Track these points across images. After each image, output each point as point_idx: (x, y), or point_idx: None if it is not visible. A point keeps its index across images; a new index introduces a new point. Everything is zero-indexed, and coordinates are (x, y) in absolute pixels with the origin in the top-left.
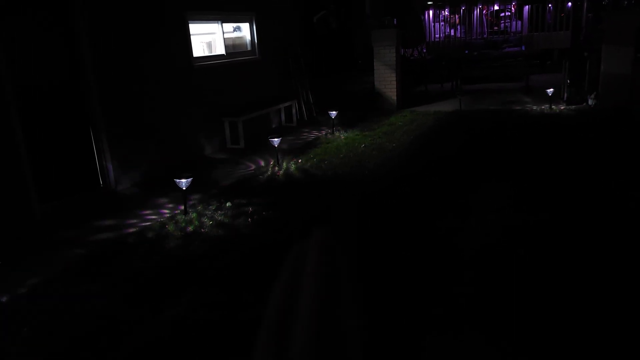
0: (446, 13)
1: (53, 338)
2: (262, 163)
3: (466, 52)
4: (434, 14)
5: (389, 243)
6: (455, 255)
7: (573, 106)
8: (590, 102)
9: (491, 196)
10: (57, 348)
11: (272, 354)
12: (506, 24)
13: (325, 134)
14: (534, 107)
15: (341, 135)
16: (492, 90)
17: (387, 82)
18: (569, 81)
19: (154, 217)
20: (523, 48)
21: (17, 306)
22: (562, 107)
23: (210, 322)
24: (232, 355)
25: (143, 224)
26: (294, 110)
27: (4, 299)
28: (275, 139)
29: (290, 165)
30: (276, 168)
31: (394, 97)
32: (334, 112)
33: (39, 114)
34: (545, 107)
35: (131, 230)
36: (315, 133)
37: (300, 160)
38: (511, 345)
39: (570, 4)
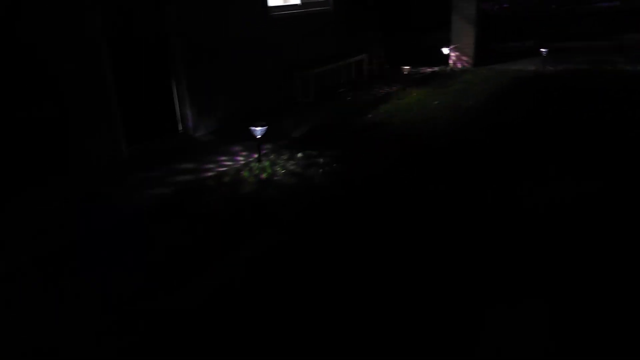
0: None
1: (131, 275)
2: (332, 117)
3: (553, 6)
4: None
5: (450, 202)
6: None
7: None
8: None
9: (571, 167)
10: (131, 287)
11: None
12: None
13: (396, 90)
14: (627, 68)
15: (413, 92)
16: (579, 49)
17: (464, 37)
18: None
19: (229, 163)
20: (617, 3)
21: (101, 236)
22: None
23: (281, 265)
24: (301, 300)
25: (219, 169)
26: (364, 65)
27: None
28: (346, 93)
29: (360, 120)
30: (345, 122)
31: (471, 54)
32: (406, 68)
33: (127, 65)
34: (638, 68)
35: (208, 174)
36: (386, 89)
37: (370, 115)
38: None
39: None
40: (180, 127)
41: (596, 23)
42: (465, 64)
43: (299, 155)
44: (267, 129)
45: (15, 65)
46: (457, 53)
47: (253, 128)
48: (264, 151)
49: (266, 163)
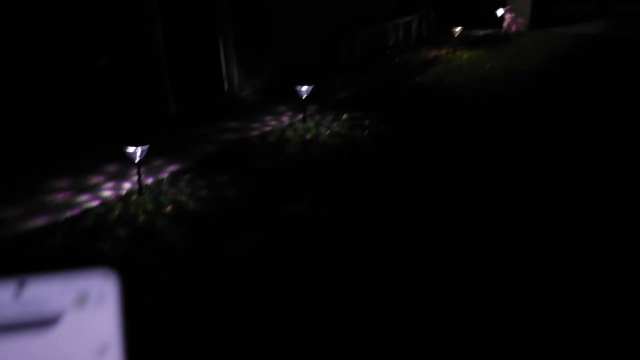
0: None
1: (192, 219)
2: (379, 79)
3: None
4: None
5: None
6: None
7: None
8: None
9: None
10: (194, 230)
11: None
12: None
13: (446, 53)
14: None
15: (464, 55)
16: None
17: None
18: None
19: (274, 122)
20: None
21: (160, 187)
22: None
23: (327, 222)
24: (348, 257)
25: (265, 128)
26: (413, 27)
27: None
28: (394, 55)
29: (408, 82)
30: (392, 85)
31: (528, 15)
32: (457, 29)
33: (176, 24)
34: None
35: (254, 133)
36: (436, 51)
37: (418, 79)
38: None
39: None
40: (225, 87)
41: None
42: (521, 27)
43: (344, 116)
44: (313, 89)
45: (75, 20)
46: (512, 14)
47: (299, 87)
48: (309, 112)
49: (311, 124)
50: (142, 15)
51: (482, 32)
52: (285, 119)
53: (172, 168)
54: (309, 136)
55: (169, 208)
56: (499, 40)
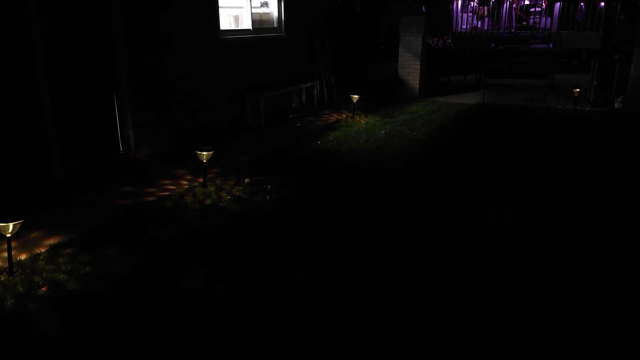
0: (475, 4)
1: (70, 301)
2: (282, 142)
3: (492, 45)
4: (462, 4)
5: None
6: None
7: (599, 108)
8: (616, 105)
9: (509, 194)
10: (72, 314)
11: None
12: (535, 19)
13: (346, 118)
14: (558, 107)
15: (361, 120)
16: (516, 86)
17: (411, 69)
18: (596, 82)
19: (172, 187)
20: (550, 45)
21: (35, 264)
22: (587, 109)
23: (226, 297)
24: (247, 332)
25: (162, 194)
26: (315, 91)
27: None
28: (296, 118)
29: (309, 146)
30: (295, 148)
31: (417, 86)
32: (355, 96)
33: (66, 77)
34: (569, 107)
35: (150, 198)
36: (336, 116)
37: (319, 142)
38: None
39: (603, 4)
40: (121, 148)
41: (532, 62)
42: (412, 95)
43: (247, 180)
44: (215, 151)
45: None
46: (403, 85)
47: (199, 152)
48: (210, 175)
49: (212, 188)
50: (23, 78)
51: (378, 99)
52: (185, 183)
53: (52, 241)
54: (208, 202)
55: (43, 289)
56: (393, 108)
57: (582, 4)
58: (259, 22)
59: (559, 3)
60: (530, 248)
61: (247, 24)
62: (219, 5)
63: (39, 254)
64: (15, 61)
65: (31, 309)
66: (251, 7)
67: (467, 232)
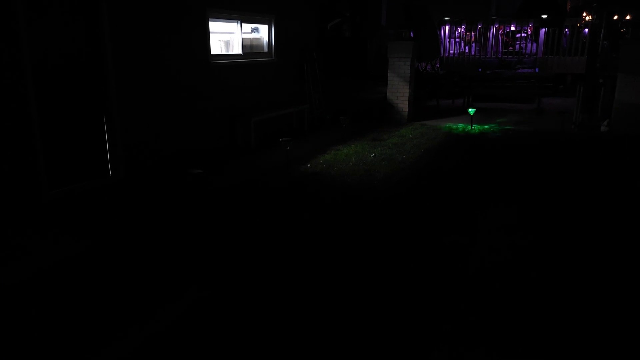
0: (462, 30)
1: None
2: (272, 165)
3: (479, 70)
4: (449, 30)
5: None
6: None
7: (584, 131)
8: (602, 128)
9: (495, 215)
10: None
11: None
12: (521, 45)
13: (336, 141)
14: (545, 130)
15: (351, 144)
16: (503, 110)
17: (399, 94)
18: (581, 106)
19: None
20: (537, 70)
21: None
22: (573, 131)
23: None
24: None
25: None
26: (305, 115)
27: None
28: (286, 142)
29: (299, 169)
30: (284, 172)
31: (405, 110)
32: (345, 120)
33: (55, 100)
34: (556, 130)
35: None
36: (325, 139)
37: (309, 165)
38: None
39: (587, 30)
40: (110, 171)
41: (518, 87)
42: (400, 119)
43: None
44: (203, 174)
45: None
46: (392, 109)
47: (189, 173)
48: None
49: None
50: (12, 102)
51: (367, 123)
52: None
53: (32, 269)
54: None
55: None
56: (383, 131)
57: (566, 30)
58: (249, 47)
59: (544, 29)
60: (513, 267)
61: (237, 49)
62: (210, 30)
63: None
64: (3, 85)
65: None
66: (242, 33)
67: (457, 253)
